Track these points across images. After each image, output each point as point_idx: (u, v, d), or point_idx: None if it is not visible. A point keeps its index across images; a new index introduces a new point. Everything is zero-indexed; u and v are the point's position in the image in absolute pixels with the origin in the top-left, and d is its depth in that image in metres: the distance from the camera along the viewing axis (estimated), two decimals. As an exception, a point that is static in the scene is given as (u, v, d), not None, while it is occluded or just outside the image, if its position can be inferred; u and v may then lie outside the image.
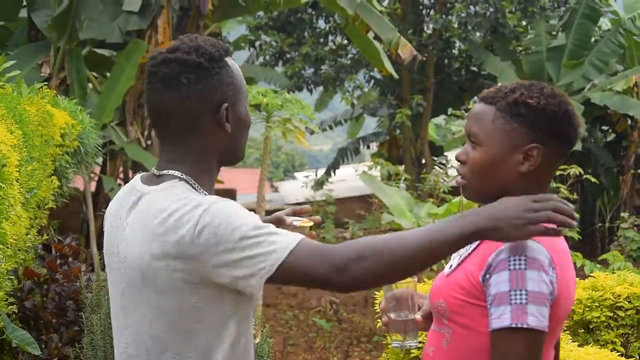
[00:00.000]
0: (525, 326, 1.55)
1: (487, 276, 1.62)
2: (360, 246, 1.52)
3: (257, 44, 15.24)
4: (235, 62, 1.76)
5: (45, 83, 5.17)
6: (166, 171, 1.69)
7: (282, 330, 8.64)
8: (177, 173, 1.68)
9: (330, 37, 15.61)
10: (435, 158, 13.30)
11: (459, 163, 1.79)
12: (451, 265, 1.77)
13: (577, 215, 1.55)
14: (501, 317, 1.58)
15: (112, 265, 1.74)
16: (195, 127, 1.68)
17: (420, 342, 2.08)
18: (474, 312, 1.66)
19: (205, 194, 1.67)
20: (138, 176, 1.77)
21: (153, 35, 9.03)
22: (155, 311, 1.63)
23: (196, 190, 1.67)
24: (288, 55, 15.27)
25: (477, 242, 1.69)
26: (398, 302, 1.90)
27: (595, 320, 3.61)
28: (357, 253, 1.51)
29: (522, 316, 1.56)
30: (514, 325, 1.56)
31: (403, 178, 11.06)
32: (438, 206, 9.18)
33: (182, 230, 1.56)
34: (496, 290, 1.60)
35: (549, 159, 1.71)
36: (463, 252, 1.73)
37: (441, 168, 10.18)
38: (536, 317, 1.56)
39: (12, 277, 3.42)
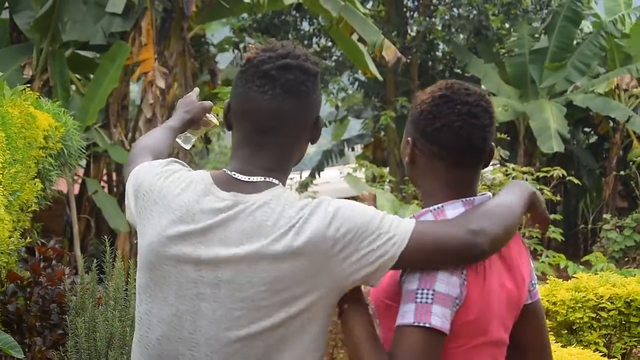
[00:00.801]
0: (427, 325, 1.55)
1: (404, 275, 1.63)
2: (480, 211, 1.63)
3: (241, 46, 15.23)
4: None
5: (28, 85, 5.14)
6: (263, 178, 1.62)
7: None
8: (276, 181, 1.62)
9: (314, 39, 15.65)
10: (420, 160, 13.33)
11: None
12: None
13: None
14: (405, 315, 1.58)
15: (175, 271, 1.60)
16: (299, 136, 1.66)
17: None
18: (392, 314, 1.65)
19: None
20: (207, 176, 1.65)
21: (137, 37, 9.00)
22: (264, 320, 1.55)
23: None
24: (272, 58, 15.27)
25: None
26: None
27: (578, 321, 3.63)
28: (483, 214, 1.61)
29: (426, 315, 1.56)
30: (416, 324, 1.56)
31: (387, 180, 11.08)
32: (423, 208, 9.20)
33: (312, 225, 1.53)
34: (406, 288, 1.61)
35: (424, 158, 1.75)
36: None
37: (425, 170, 10.21)
38: (439, 318, 1.56)
39: (-5, 280, 3.41)
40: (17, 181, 3.20)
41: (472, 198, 1.72)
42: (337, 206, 1.56)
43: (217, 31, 15.53)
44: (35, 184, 3.63)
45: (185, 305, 1.60)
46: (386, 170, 11.65)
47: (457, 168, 1.74)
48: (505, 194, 1.71)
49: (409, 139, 1.77)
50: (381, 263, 1.54)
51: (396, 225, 1.57)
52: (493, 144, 1.77)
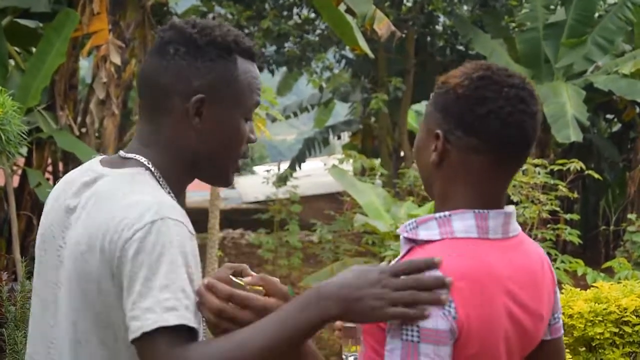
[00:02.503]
0: None
1: None
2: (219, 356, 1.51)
3: (209, 16, 15.18)
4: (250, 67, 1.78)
5: (-40, 59, 5.10)
6: (134, 155, 1.72)
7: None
8: (144, 160, 1.70)
9: (295, 10, 15.62)
10: (416, 150, 13.38)
11: None
12: None
13: (449, 280, 1.50)
14: (393, 353, 1.55)
15: (48, 256, 1.74)
16: (166, 106, 1.71)
17: None
18: (379, 335, 1.61)
19: (170, 193, 1.69)
20: (98, 158, 1.78)
21: (87, 4, 8.94)
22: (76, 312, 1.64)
23: (160, 185, 1.69)
24: (246, 31, 15.24)
25: (406, 251, 1.65)
26: None
27: (598, 337, 3.65)
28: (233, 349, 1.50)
29: (414, 355, 1.52)
30: None
31: (379, 173, 11.10)
32: (419, 205, 9.22)
33: (122, 225, 1.56)
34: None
35: (461, 155, 1.66)
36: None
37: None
38: (430, 359, 1.52)
39: None
40: (-54, 171, 3.17)
41: (486, 211, 1.64)
42: (157, 230, 1.55)
43: (182, -1, 15.48)
44: (-33, 175, 3.60)
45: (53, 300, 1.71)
46: (377, 161, 11.67)
47: (498, 165, 1.66)
48: (294, 306, 1.55)
49: (438, 132, 1.67)
50: (130, 325, 1.52)
51: (152, 311, 1.50)
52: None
